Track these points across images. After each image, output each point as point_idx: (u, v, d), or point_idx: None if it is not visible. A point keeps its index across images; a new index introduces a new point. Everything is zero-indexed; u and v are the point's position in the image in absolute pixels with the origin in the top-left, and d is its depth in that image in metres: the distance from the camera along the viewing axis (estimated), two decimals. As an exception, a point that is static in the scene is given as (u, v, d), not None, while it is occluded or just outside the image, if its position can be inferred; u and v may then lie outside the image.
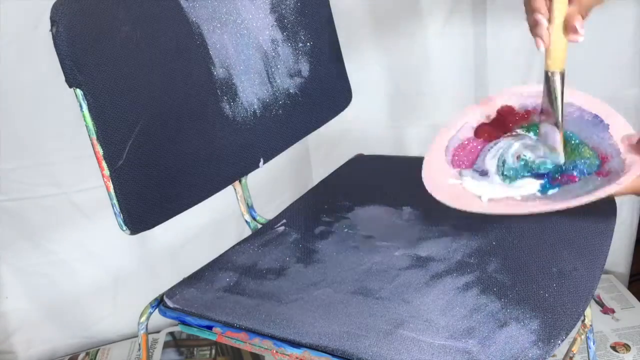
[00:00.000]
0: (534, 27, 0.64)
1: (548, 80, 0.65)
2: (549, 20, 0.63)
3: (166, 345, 1.32)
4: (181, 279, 0.76)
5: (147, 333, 0.75)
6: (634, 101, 1.25)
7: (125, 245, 1.24)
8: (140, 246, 1.27)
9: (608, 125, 0.67)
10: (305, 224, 0.85)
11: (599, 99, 0.70)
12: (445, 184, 0.66)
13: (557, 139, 0.66)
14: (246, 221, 0.91)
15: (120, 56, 0.68)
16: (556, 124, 0.66)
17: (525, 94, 0.73)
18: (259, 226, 0.89)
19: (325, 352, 0.62)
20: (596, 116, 0.68)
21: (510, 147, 0.69)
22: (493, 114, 0.73)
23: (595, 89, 0.71)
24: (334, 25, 0.95)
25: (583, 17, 0.62)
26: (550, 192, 0.63)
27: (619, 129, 0.67)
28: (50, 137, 1.15)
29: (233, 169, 0.83)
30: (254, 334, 0.66)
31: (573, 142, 0.68)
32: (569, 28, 0.63)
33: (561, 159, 0.66)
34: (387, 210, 0.85)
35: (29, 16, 1.03)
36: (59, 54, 0.63)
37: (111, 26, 0.68)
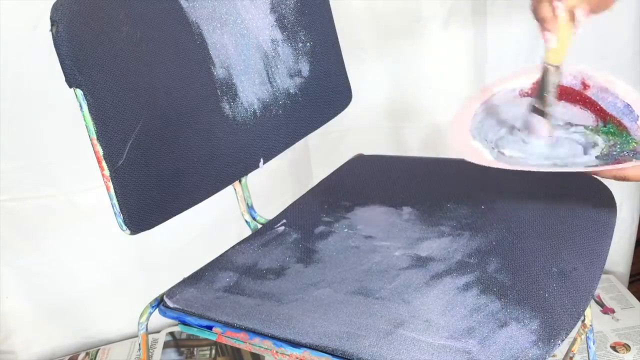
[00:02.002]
0: (544, 22, 0.65)
1: (545, 71, 0.69)
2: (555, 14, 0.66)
3: (166, 345, 1.32)
4: (181, 279, 0.76)
5: (147, 333, 0.75)
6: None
7: (125, 245, 1.24)
8: (140, 246, 1.27)
9: (638, 116, 0.71)
10: (305, 224, 0.85)
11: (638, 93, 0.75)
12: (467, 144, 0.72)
13: (542, 129, 0.72)
14: (246, 221, 0.91)
15: (120, 56, 0.68)
16: (543, 114, 0.70)
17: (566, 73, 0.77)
18: (259, 226, 0.89)
19: (325, 352, 0.62)
20: (628, 105, 0.73)
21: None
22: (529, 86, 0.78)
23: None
24: (334, 25, 0.95)
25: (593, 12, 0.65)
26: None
27: None
28: (50, 137, 1.15)
29: (233, 169, 0.83)
30: (254, 334, 0.66)
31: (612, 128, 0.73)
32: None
33: (545, 144, 0.72)
34: (387, 210, 0.85)
35: (29, 16, 1.03)
36: (59, 54, 0.63)
37: (111, 26, 0.68)
